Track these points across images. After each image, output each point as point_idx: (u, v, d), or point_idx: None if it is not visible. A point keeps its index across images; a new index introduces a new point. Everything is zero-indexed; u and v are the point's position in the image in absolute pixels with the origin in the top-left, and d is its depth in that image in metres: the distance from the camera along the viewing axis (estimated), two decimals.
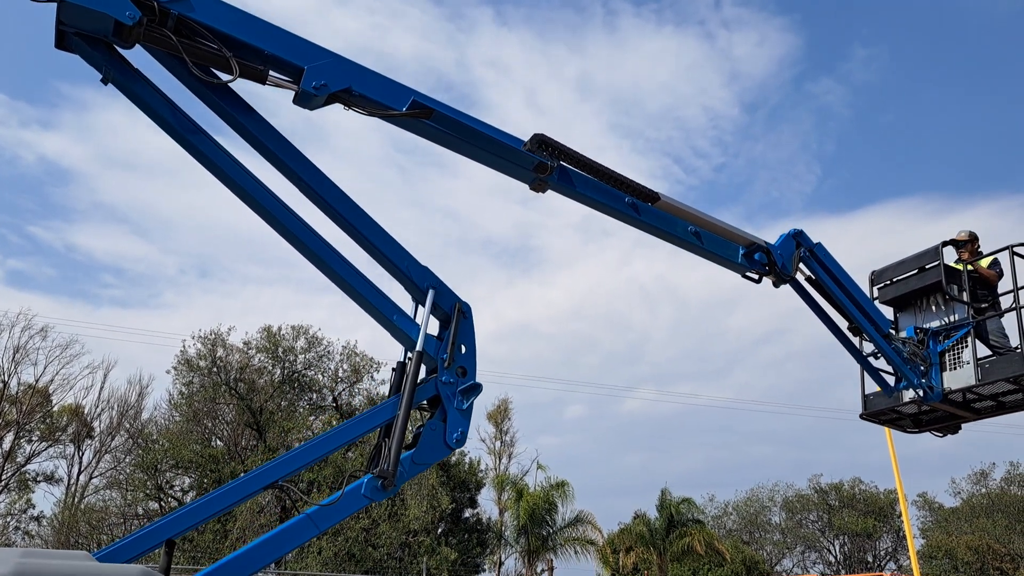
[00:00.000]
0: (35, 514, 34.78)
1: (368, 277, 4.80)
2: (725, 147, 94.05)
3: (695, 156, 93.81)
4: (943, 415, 7.67)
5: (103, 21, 3.93)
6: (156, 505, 30.99)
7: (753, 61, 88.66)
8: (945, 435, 8.26)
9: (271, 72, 4.42)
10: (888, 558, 45.81)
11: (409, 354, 4.83)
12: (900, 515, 39.11)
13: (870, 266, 8.33)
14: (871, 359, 7.50)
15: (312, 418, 32.31)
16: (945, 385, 7.27)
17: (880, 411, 7.76)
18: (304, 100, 4.52)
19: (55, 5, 3.85)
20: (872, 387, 7.75)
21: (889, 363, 7.25)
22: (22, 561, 2.48)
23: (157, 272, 67.04)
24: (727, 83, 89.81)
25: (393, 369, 4.98)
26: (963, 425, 8.07)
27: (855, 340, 7.35)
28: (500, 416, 42.21)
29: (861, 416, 8.06)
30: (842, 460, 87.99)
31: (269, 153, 4.60)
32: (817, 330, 6.82)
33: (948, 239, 8.18)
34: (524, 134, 5.22)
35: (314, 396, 33.08)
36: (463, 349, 5.02)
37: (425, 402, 4.92)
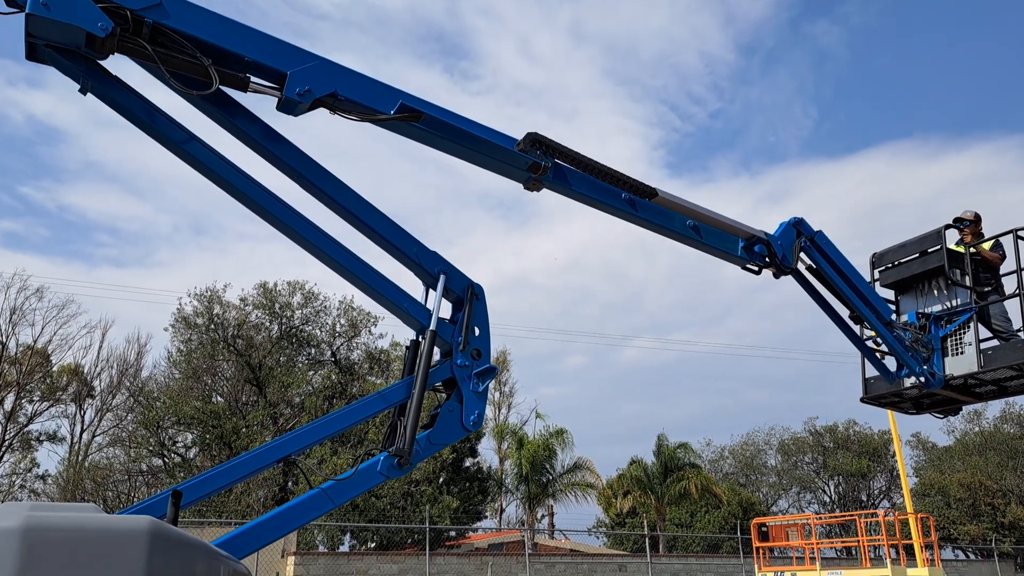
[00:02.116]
0: (40, 472, 35.22)
1: (372, 265, 4.73)
2: (721, 92, 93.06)
3: (691, 102, 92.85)
4: (944, 399, 7.61)
5: (74, 33, 3.72)
6: (160, 461, 31.36)
7: (749, 3, 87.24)
8: (945, 416, 8.28)
9: (252, 78, 4.24)
10: (882, 497, 46.72)
11: (422, 335, 4.81)
12: (894, 455, 39.73)
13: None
14: (871, 343, 7.42)
15: (311, 373, 32.51)
16: (947, 371, 7.18)
17: (881, 395, 7.70)
18: (288, 107, 4.34)
19: (23, 16, 3.62)
20: (873, 370, 7.70)
21: (891, 350, 7.19)
22: (31, 514, 2.50)
23: (151, 231, 66.77)
24: (723, 26, 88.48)
25: (407, 348, 4.97)
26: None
27: (856, 328, 7.28)
28: (499, 368, 42.53)
29: (862, 400, 8.05)
30: (837, 402, 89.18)
31: (266, 152, 4.47)
32: None
33: (953, 218, 8.12)
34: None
35: (312, 351, 33.24)
36: (477, 331, 4.99)
37: (440, 384, 4.94)
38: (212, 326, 31.08)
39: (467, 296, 4.97)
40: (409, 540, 26.21)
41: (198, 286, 39.01)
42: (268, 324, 32.21)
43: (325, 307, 32.66)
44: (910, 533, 19.82)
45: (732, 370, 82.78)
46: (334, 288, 38.00)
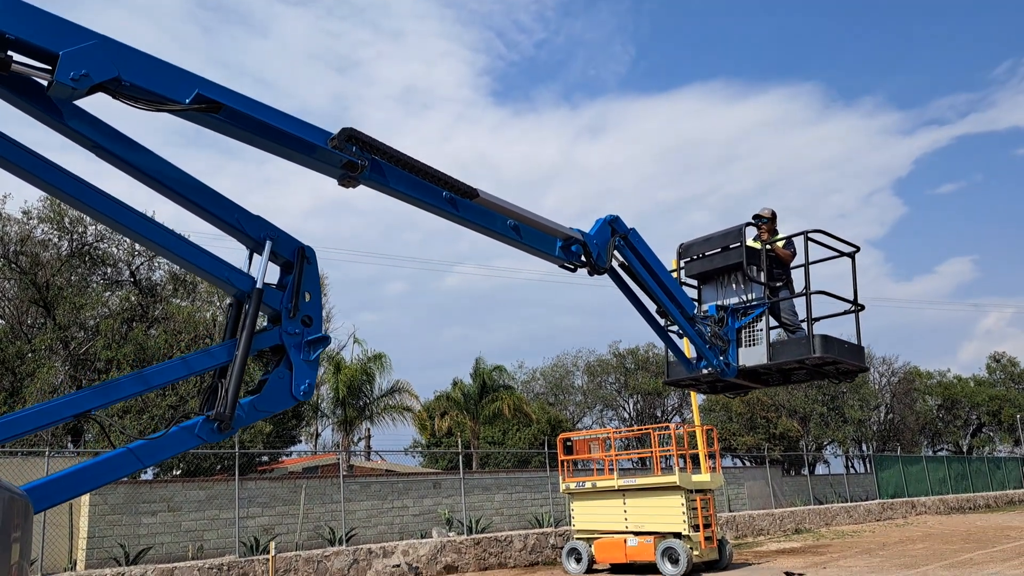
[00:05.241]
0: None
1: (184, 235, 4.42)
2: (547, 23, 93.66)
3: (517, 31, 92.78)
4: (735, 384, 8.24)
5: None
6: None
7: None
8: (736, 397, 9.01)
9: (16, 58, 3.62)
10: (675, 413, 51.03)
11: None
12: None
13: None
14: (675, 335, 7.88)
15: (108, 294, 30.23)
16: (740, 362, 7.73)
17: (680, 379, 8.28)
18: (61, 93, 3.75)
19: None
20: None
21: (692, 343, 7.64)
22: None
23: None
24: None
25: (230, 304, 4.68)
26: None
27: (662, 321, 7.68)
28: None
29: (664, 383, 8.69)
30: (639, 327, 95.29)
31: (62, 127, 3.98)
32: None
33: (753, 215, 8.73)
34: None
35: (109, 270, 30.82)
36: (308, 297, 4.77)
37: (268, 350, 4.72)
38: None
39: (297, 260, 4.73)
40: (219, 466, 25.49)
41: None
42: (57, 240, 29.41)
43: None
44: (697, 444, 21.90)
45: (548, 297, 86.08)
46: (133, 202, 35.08)
